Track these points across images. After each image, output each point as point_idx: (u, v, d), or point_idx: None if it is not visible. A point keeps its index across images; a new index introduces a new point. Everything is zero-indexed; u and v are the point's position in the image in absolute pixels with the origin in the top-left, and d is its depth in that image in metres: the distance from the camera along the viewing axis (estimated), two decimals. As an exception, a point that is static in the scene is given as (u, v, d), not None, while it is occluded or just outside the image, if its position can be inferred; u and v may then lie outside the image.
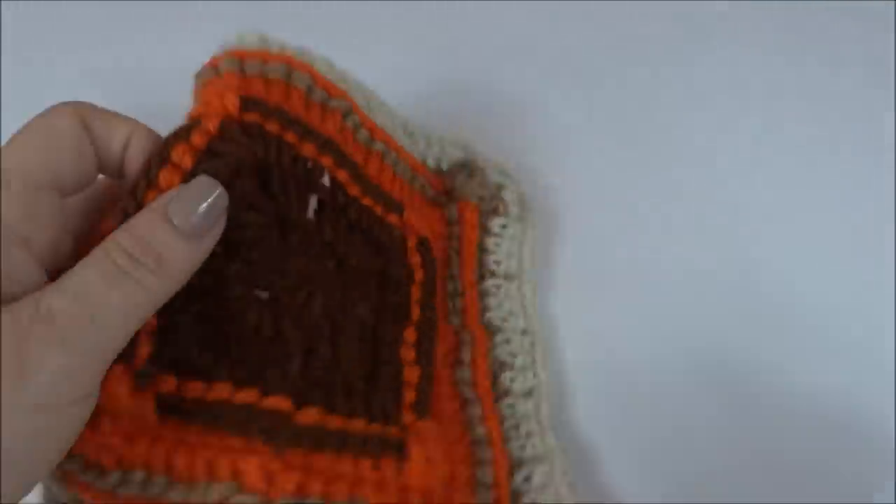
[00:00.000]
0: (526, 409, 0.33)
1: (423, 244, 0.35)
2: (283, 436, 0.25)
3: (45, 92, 0.44)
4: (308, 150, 0.29)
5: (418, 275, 0.34)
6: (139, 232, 0.24)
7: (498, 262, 0.37)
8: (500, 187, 0.38)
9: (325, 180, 0.30)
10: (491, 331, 0.35)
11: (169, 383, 0.25)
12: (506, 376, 0.33)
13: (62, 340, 0.22)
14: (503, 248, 0.37)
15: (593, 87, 0.44)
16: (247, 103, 0.27)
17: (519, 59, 0.45)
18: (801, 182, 0.39)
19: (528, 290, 0.37)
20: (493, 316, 0.36)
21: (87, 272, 0.23)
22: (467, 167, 0.39)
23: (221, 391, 0.25)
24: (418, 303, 0.33)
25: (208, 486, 0.24)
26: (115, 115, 0.28)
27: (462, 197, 0.38)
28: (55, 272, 0.24)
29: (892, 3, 0.46)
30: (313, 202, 0.29)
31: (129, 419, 0.24)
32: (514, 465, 0.31)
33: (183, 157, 0.26)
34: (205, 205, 0.25)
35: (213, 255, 0.25)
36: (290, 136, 0.28)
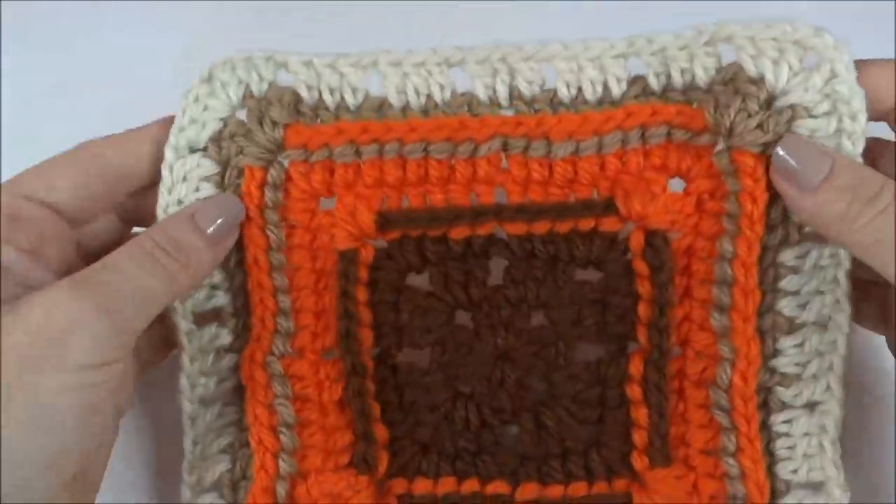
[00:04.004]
0: (808, 426, 0.28)
1: (654, 241, 0.29)
2: None
3: (45, 92, 0.44)
4: (459, 231, 0.29)
5: (645, 288, 0.29)
6: (172, 233, 0.28)
7: None
8: (793, 119, 0.27)
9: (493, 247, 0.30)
10: (772, 330, 0.29)
11: (401, 485, 0.29)
12: (783, 392, 0.29)
13: (97, 306, 0.25)
14: None
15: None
16: (382, 221, 0.29)
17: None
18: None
19: (844, 257, 0.28)
20: (788, 305, 0.29)
21: (125, 258, 0.27)
22: (733, 88, 0.27)
23: (447, 485, 0.29)
24: (646, 325, 0.29)
25: None
26: (128, 136, 0.32)
27: (737, 143, 0.27)
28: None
29: (893, 2, 0.46)
30: (496, 265, 0.30)
31: None
32: (780, 491, 0.28)
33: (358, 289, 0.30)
34: (227, 216, 0.29)
35: (410, 367, 0.30)
36: (433, 231, 0.29)
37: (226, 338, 0.31)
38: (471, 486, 0.29)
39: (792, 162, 0.26)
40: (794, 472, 0.28)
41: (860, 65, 0.28)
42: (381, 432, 0.30)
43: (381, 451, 0.29)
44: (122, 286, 0.26)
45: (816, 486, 0.28)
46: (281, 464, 0.29)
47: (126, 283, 0.27)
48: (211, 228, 0.29)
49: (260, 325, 0.30)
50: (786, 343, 0.29)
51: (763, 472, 0.28)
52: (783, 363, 0.29)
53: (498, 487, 0.29)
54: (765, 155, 0.27)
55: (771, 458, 0.29)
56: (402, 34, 0.46)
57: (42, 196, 0.29)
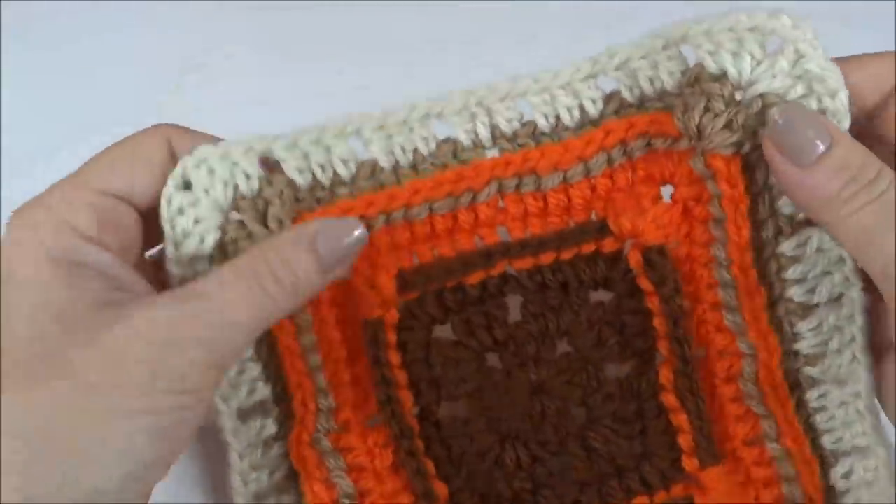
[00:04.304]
0: (841, 397, 0.28)
1: (649, 259, 0.29)
2: None
3: (45, 92, 0.44)
4: (474, 277, 0.29)
5: (654, 302, 0.30)
6: (286, 255, 0.25)
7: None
8: (764, 108, 0.26)
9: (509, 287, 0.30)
10: (787, 316, 0.28)
11: None
12: (810, 370, 0.29)
13: (198, 341, 0.24)
14: None
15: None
16: (401, 281, 0.29)
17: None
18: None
19: None
20: (797, 292, 0.28)
21: (229, 284, 0.25)
22: (697, 88, 0.26)
23: None
24: (666, 336, 0.30)
25: None
26: (203, 135, 0.29)
27: (708, 146, 0.27)
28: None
29: (893, 2, 0.46)
30: (513, 302, 0.30)
31: None
32: (829, 462, 0.29)
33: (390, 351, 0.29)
34: (347, 241, 0.26)
35: (453, 419, 0.30)
36: (451, 282, 0.30)
37: (271, 428, 0.30)
38: None
39: (787, 132, 0.24)
40: (839, 440, 0.29)
41: (837, 64, 0.27)
42: (440, 489, 0.30)
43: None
44: (221, 319, 0.25)
45: (863, 451, 0.29)
46: None
47: (225, 317, 0.25)
48: (330, 254, 0.26)
49: (302, 409, 0.30)
50: (803, 327, 0.28)
51: (808, 449, 0.29)
52: (805, 346, 0.29)
53: None
54: (739, 155, 0.27)
55: (814, 433, 0.29)
56: (402, 34, 0.46)
57: (120, 189, 0.27)
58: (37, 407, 0.23)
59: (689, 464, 0.30)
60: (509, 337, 0.30)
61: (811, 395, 0.29)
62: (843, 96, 0.26)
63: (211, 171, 0.27)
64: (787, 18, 0.26)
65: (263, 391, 0.29)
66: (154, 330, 0.24)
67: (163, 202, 0.27)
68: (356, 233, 0.27)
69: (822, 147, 0.24)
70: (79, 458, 0.23)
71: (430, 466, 0.30)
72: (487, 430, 0.30)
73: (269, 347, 0.29)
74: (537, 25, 0.47)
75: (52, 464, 0.22)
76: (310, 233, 0.26)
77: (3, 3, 0.46)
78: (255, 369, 0.29)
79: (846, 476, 0.29)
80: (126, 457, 0.24)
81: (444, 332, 0.31)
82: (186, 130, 0.28)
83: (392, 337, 0.30)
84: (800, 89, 0.26)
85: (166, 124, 0.28)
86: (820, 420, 0.29)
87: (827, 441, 0.29)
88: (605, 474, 0.30)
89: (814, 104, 0.26)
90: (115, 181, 0.27)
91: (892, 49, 0.44)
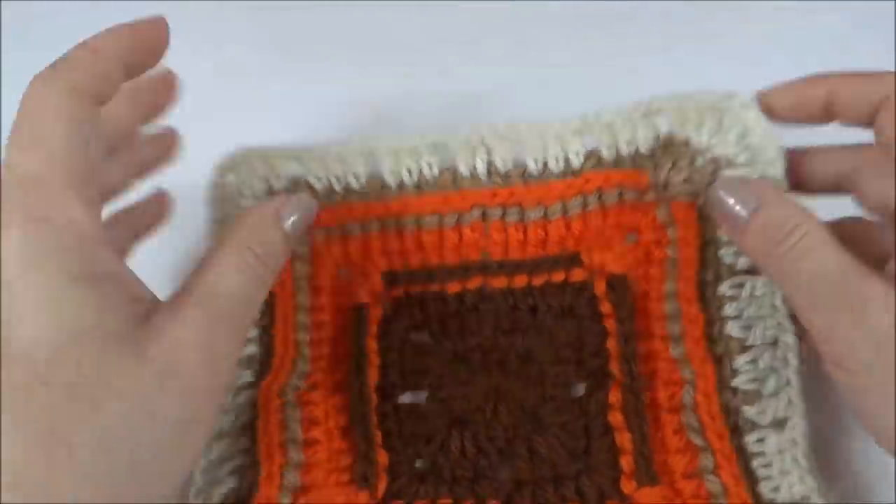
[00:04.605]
0: (779, 444, 0.29)
1: (614, 285, 0.33)
2: None
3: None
4: (453, 287, 0.34)
5: (611, 324, 0.33)
6: (264, 237, 0.28)
7: (738, 253, 0.32)
8: (716, 171, 0.32)
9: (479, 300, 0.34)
10: (726, 353, 0.31)
11: None
12: (748, 410, 0.30)
13: (227, 337, 0.26)
14: None
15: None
16: (389, 280, 0.34)
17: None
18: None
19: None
20: (733, 328, 0.31)
21: (226, 273, 0.26)
22: (667, 151, 0.33)
23: None
24: (618, 357, 0.32)
25: None
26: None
27: (674, 195, 0.32)
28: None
29: (893, 2, 0.46)
30: (486, 319, 0.34)
31: None
32: None
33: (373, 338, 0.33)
34: (305, 214, 0.30)
35: (414, 406, 0.33)
36: (435, 286, 0.34)
37: (247, 377, 0.32)
38: None
39: (725, 200, 0.29)
40: (776, 490, 0.29)
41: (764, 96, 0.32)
42: (381, 456, 0.32)
43: (381, 474, 0.31)
44: (233, 305, 0.26)
45: (800, 501, 0.29)
46: (286, 476, 0.31)
47: (234, 301, 0.26)
48: (293, 227, 0.29)
49: (280, 365, 0.32)
50: (740, 361, 0.30)
51: (743, 487, 0.29)
52: (742, 381, 0.30)
53: None
54: (696, 203, 0.32)
55: (752, 478, 0.30)
56: (402, 34, 0.46)
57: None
58: (105, 430, 0.22)
59: (627, 486, 0.30)
60: (477, 346, 0.34)
61: (749, 439, 0.30)
62: (780, 164, 0.31)
63: (251, 165, 0.34)
64: (738, 99, 0.32)
65: (252, 349, 0.32)
66: (192, 334, 0.25)
67: (214, 179, 0.34)
68: (310, 207, 0.31)
69: (745, 214, 0.28)
70: (155, 474, 0.23)
71: (377, 436, 0.32)
72: (440, 416, 0.33)
73: (268, 317, 0.33)
74: (537, 25, 0.47)
75: (135, 483, 0.23)
76: (275, 209, 0.29)
77: (3, 3, 0.46)
78: (252, 332, 0.32)
79: None
80: (192, 462, 0.25)
81: (420, 338, 0.35)
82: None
83: (374, 328, 0.34)
84: (744, 157, 0.31)
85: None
86: (757, 465, 0.30)
87: (765, 488, 0.30)
88: (544, 478, 0.31)
89: (758, 170, 0.31)
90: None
91: (893, 49, 0.44)
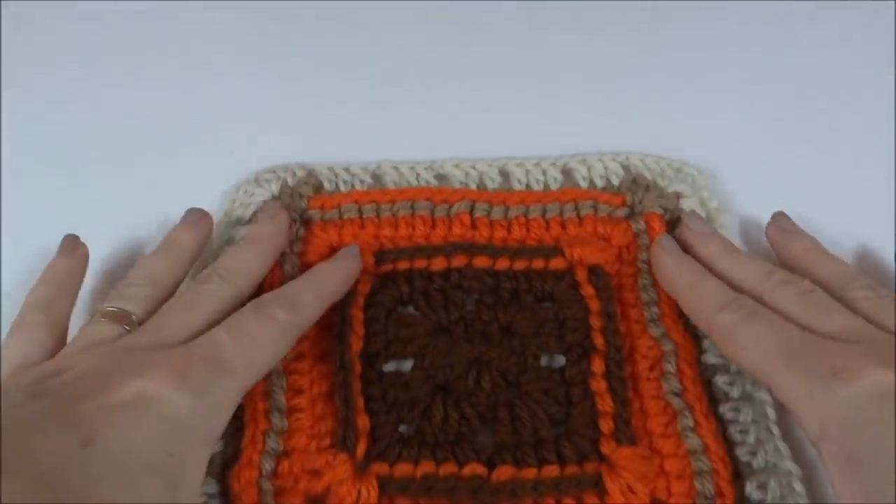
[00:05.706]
0: (751, 415, 0.32)
1: (594, 273, 0.36)
2: (484, 493, 0.31)
3: (45, 92, 0.44)
4: (438, 263, 0.37)
5: (594, 305, 0.35)
6: (297, 297, 0.32)
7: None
8: (678, 196, 0.39)
9: (465, 279, 0.37)
10: (698, 335, 0.35)
11: (382, 468, 0.31)
12: (719, 380, 0.33)
13: (230, 373, 0.29)
14: None
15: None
16: (378, 257, 0.37)
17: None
18: (797, 189, 0.39)
19: None
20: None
21: (263, 333, 0.31)
22: (638, 184, 0.39)
23: (425, 468, 0.31)
24: (601, 331, 0.34)
25: None
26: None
27: (647, 209, 0.38)
28: None
29: (893, 2, 0.46)
30: (469, 298, 0.37)
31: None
32: (744, 474, 0.31)
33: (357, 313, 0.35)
34: (348, 279, 0.35)
35: (398, 373, 0.35)
36: (419, 263, 0.37)
37: None
38: (449, 468, 0.32)
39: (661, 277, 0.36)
40: (753, 454, 0.32)
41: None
42: (362, 421, 0.33)
43: (362, 438, 0.32)
44: (260, 362, 0.30)
45: (774, 466, 0.31)
46: (268, 441, 0.32)
47: (262, 357, 0.31)
48: (329, 292, 0.34)
49: None
50: (707, 342, 0.34)
51: (721, 444, 0.32)
52: (710, 357, 0.34)
53: (475, 469, 0.32)
54: (664, 216, 0.38)
55: (729, 444, 0.32)
56: (402, 35, 0.47)
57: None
58: None
59: (606, 446, 0.32)
60: (461, 318, 0.36)
61: (724, 408, 0.33)
62: (722, 220, 0.38)
63: (274, 173, 0.40)
64: (691, 168, 0.40)
65: None
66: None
67: (234, 189, 0.39)
68: (354, 273, 0.35)
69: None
70: None
71: (359, 401, 0.33)
72: (423, 383, 0.34)
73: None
74: (537, 25, 0.47)
75: None
76: (317, 278, 0.34)
77: (2, 3, 0.46)
78: None
79: (761, 488, 0.31)
80: None
81: (406, 311, 0.37)
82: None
83: (361, 301, 0.35)
84: (692, 202, 0.38)
85: None
86: (734, 431, 0.32)
87: (741, 452, 0.32)
88: (524, 442, 0.33)
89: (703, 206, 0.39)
90: None
91: (893, 49, 0.44)
